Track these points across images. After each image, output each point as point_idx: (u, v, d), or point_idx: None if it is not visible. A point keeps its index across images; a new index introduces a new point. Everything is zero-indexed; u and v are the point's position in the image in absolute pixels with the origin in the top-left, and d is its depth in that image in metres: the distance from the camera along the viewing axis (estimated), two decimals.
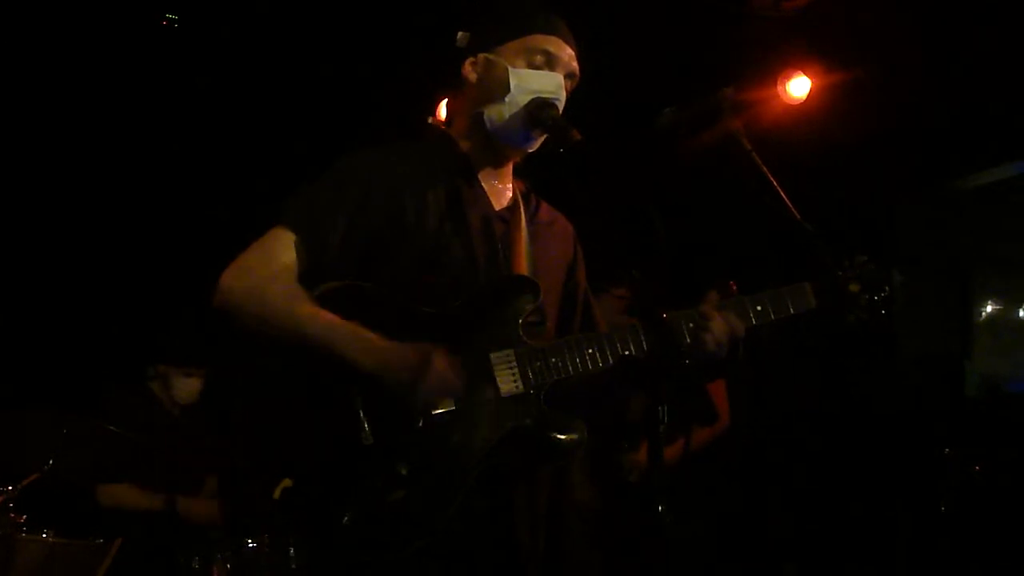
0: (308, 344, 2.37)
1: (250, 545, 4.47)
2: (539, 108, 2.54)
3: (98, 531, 4.53)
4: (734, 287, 2.58)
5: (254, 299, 2.44)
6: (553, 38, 2.64)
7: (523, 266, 2.60)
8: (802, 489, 6.27)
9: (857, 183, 5.94)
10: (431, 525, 2.33)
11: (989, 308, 6.33)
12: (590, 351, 2.49)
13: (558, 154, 2.47)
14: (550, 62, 2.62)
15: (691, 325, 2.52)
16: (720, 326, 2.51)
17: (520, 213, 2.68)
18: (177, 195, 6.29)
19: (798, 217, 2.65)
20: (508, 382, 2.44)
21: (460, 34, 2.71)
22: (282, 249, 2.48)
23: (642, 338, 2.47)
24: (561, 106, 2.61)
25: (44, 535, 4.34)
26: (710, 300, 2.57)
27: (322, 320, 2.38)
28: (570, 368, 2.47)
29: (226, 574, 4.44)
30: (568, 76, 2.65)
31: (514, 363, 2.45)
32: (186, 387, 5.15)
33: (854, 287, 2.66)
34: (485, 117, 2.62)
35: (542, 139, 2.63)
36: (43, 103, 5.86)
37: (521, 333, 2.49)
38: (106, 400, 5.00)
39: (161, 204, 6.27)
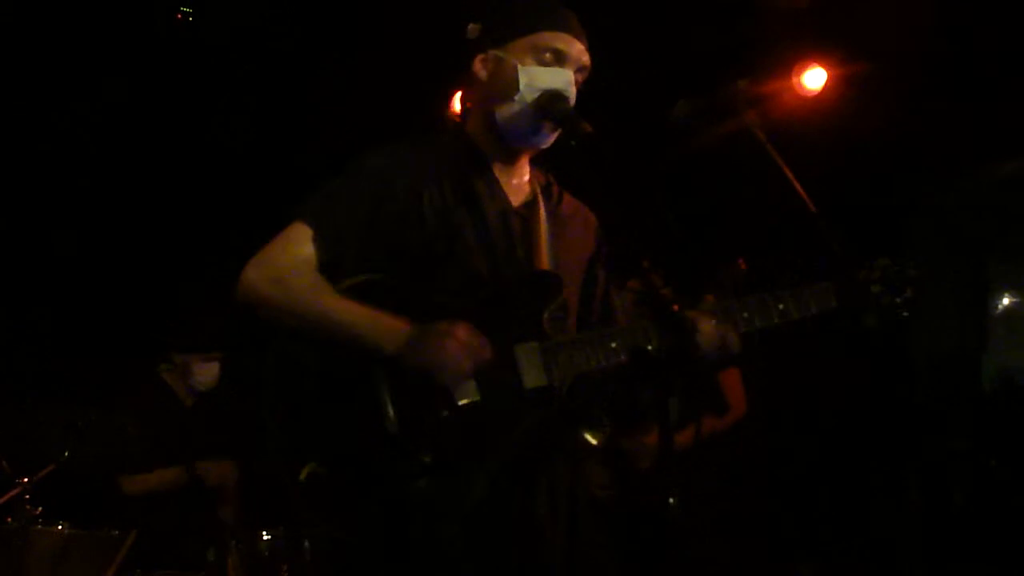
0: (334, 333, 2.41)
1: (265, 537, 4.49)
2: (549, 101, 2.53)
3: (113, 523, 4.55)
4: (743, 265, 2.58)
5: (279, 292, 2.48)
6: (563, 35, 2.62)
7: (544, 261, 2.60)
8: (817, 485, 6.25)
9: (873, 174, 5.91)
10: (453, 514, 2.35)
11: (1005, 300, 6.30)
12: (613, 345, 2.49)
13: (569, 147, 2.46)
14: (560, 59, 2.60)
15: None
16: (708, 332, 2.50)
17: (539, 207, 2.68)
18: (185, 188, 6.30)
19: (814, 209, 2.64)
20: (532, 375, 2.44)
21: (471, 26, 2.69)
22: (302, 243, 2.51)
23: (662, 333, 2.47)
24: (571, 101, 2.59)
25: (59, 527, 4.36)
26: (705, 304, 2.59)
27: (346, 308, 2.43)
28: (593, 362, 2.48)
29: (241, 565, 4.46)
30: (578, 70, 2.64)
31: (539, 356, 2.45)
32: (207, 372, 5.13)
33: (876, 288, 2.66)
34: (496, 116, 2.61)
35: (555, 135, 2.62)
36: (63, 92, 5.87)
37: (545, 327, 2.49)
38: (119, 392, 5.01)
39: (169, 197, 6.28)
